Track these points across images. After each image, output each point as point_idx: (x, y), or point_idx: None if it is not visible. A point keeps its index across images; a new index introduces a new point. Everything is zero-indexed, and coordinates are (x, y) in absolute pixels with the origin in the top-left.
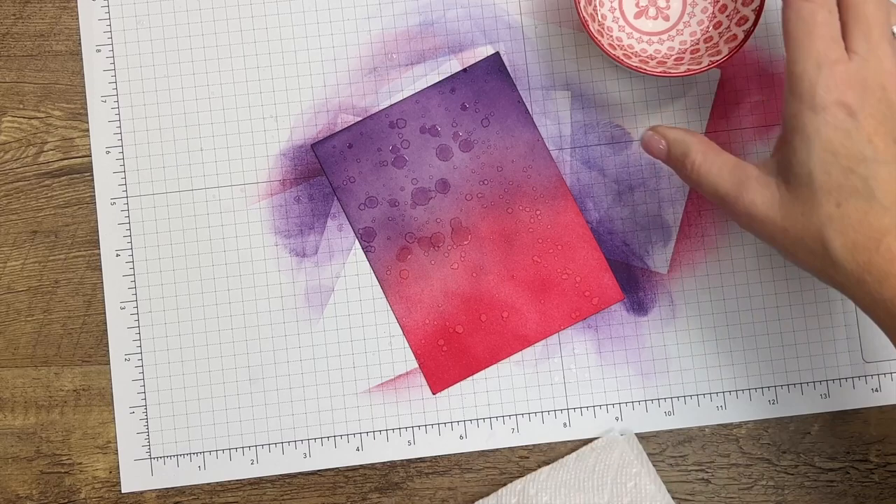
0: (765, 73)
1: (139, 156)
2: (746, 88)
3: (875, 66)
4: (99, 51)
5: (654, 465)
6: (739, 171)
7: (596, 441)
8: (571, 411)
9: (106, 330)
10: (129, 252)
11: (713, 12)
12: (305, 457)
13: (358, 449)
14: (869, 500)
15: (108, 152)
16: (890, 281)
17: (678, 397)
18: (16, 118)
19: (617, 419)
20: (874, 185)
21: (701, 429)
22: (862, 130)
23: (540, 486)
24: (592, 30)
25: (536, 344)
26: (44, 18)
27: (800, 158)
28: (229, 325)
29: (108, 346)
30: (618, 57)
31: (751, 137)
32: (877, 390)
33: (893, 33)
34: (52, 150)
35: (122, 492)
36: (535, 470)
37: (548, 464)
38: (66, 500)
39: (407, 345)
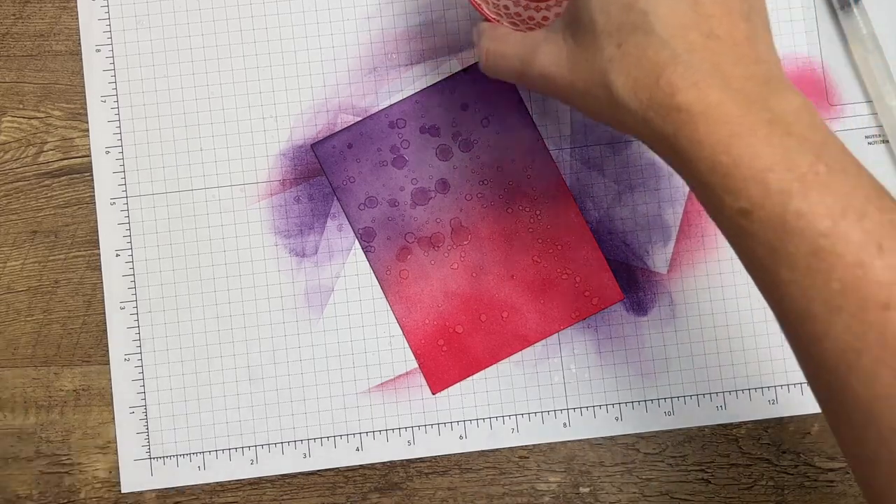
0: None
1: (139, 156)
2: None
3: None
4: (98, 51)
5: (654, 464)
6: (529, 39)
7: None
8: (571, 411)
9: (106, 330)
10: (129, 252)
11: None
12: (305, 457)
13: (358, 449)
14: None
15: (107, 152)
16: (671, 115)
17: (678, 397)
18: (16, 118)
19: (617, 419)
20: (653, 20)
21: (701, 429)
22: None
23: None
24: None
25: (536, 344)
26: (44, 18)
27: (580, 5)
28: (229, 325)
29: (107, 347)
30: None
31: None
32: None
33: None
34: (51, 150)
35: (122, 492)
36: (534, 469)
37: (548, 463)
38: (66, 500)
39: (406, 345)
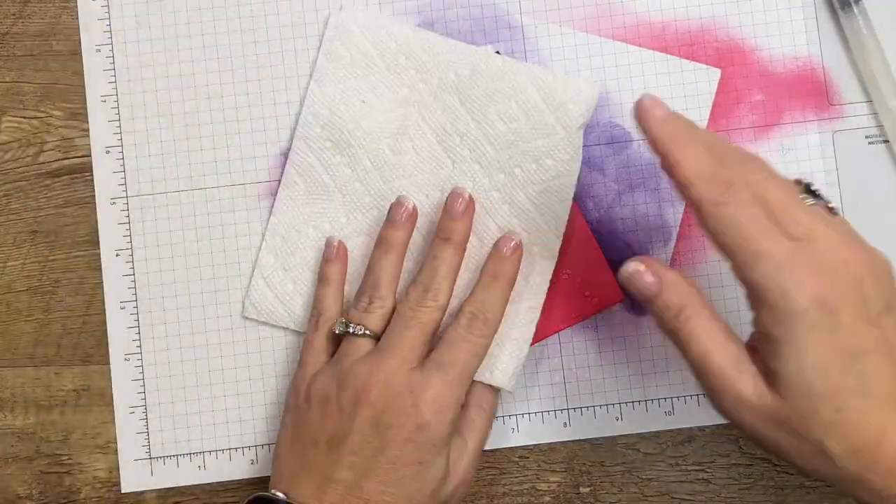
0: (765, 72)
1: (139, 155)
2: (746, 88)
3: (824, 243)
4: (99, 50)
5: (654, 464)
6: (734, 349)
7: (326, 33)
8: (571, 411)
9: (106, 330)
10: (129, 252)
11: None
12: None
13: None
14: None
15: (107, 152)
16: (892, 480)
17: (678, 397)
18: (16, 118)
19: (617, 419)
20: (869, 381)
21: (701, 429)
22: (844, 323)
23: (327, 103)
24: None
25: (536, 344)
26: (44, 18)
27: (792, 369)
28: (229, 325)
29: (107, 346)
30: None
31: (751, 137)
32: None
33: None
34: (51, 149)
35: (122, 492)
36: (534, 469)
37: (548, 463)
38: (66, 500)
39: None
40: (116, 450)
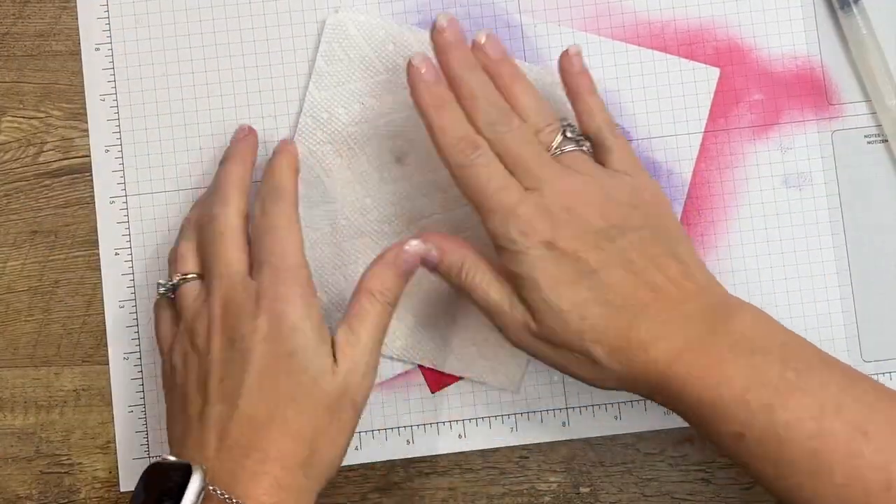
0: (764, 71)
1: (138, 154)
2: (745, 87)
3: (550, 191)
4: (98, 49)
5: (654, 464)
6: (506, 287)
7: (323, 35)
8: (570, 410)
9: (105, 330)
10: (129, 251)
11: None
12: None
13: (357, 448)
14: None
15: (107, 151)
16: (650, 368)
17: None
18: (15, 118)
19: (616, 418)
20: (603, 292)
21: None
22: (567, 254)
23: (327, 106)
24: None
25: None
26: (43, 18)
27: (535, 296)
28: None
29: (107, 346)
30: None
31: (749, 137)
32: None
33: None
34: (51, 150)
35: (121, 490)
36: (534, 469)
37: (548, 463)
38: (65, 500)
39: None
40: (116, 449)
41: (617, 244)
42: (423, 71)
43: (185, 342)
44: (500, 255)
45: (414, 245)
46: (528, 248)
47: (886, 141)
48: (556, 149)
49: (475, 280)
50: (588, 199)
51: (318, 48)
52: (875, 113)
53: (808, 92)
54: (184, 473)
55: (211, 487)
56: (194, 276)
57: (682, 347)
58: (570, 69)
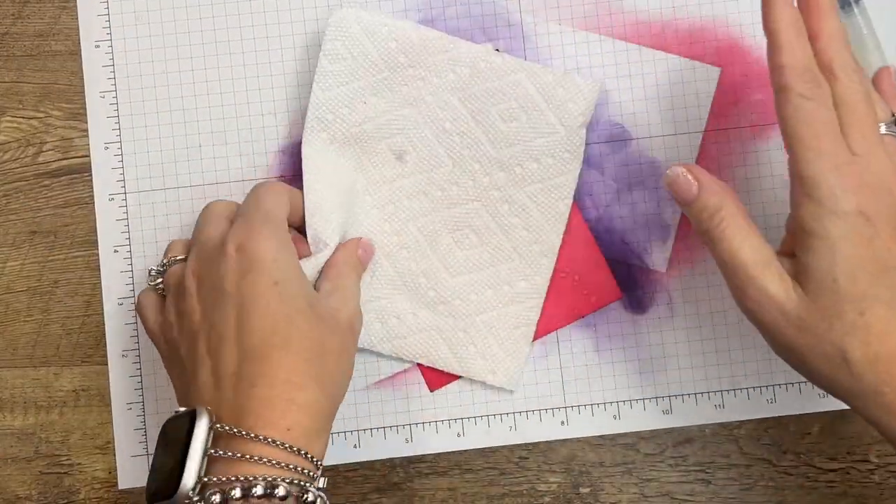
0: (765, 71)
1: (138, 152)
2: (746, 86)
3: (877, 167)
4: (98, 46)
5: (654, 464)
6: (765, 250)
7: (327, 33)
8: (569, 409)
9: (104, 328)
10: (128, 248)
11: None
12: None
13: (355, 446)
14: (869, 500)
15: (106, 148)
16: None
17: (676, 395)
18: (15, 118)
19: (615, 417)
20: (891, 296)
21: (701, 429)
22: (882, 238)
23: (330, 107)
24: None
25: (534, 342)
26: (43, 18)
27: (823, 265)
28: None
29: (106, 345)
30: None
31: (749, 136)
32: None
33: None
34: (51, 150)
35: (119, 488)
36: (534, 469)
37: (548, 463)
38: (65, 501)
39: None
40: (115, 448)
41: None
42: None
43: (172, 313)
44: (802, 207)
45: (676, 170)
46: (846, 211)
47: None
48: (883, 126)
49: (728, 231)
50: None
51: (322, 47)
52: None
53: None
54: (190, 419)
55: (219, 425)
56: (181, 258)
57: None
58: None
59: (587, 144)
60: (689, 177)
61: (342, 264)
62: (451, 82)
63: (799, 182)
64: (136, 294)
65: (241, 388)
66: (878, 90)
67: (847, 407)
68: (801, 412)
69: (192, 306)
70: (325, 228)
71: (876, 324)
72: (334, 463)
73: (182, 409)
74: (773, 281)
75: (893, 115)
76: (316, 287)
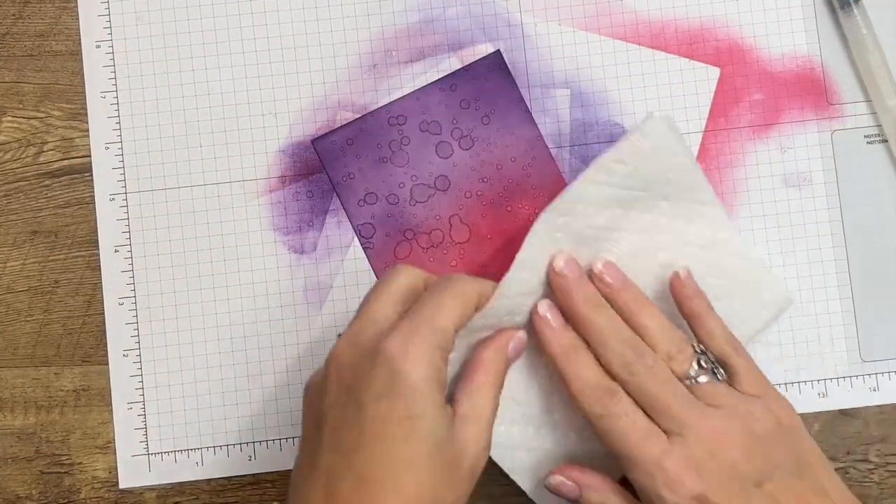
0: (764, 71)
1: (138, 152)
2: (745, 87)
3: (694, 437)
4: (98, 46)
5: None
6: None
7: (634, 136)
8: None
9: (105, 328)
10: (128, 248)
11: None
12: None
13: None
14: (869, 500)
15: (107, 148)
16: None
17: None
18: (15, 118)
19: None
20: None
21: None
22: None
23: (586, 199)
24: None
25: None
26: (44, 18)
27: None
28: (228, 322)
29: (107, 345)
30: None
31: (749, 136)
32: (875, 389)
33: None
34: (51, 150)
35: (120, 487)
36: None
37: None
38: (65, 500)
39: None
40: (115, 448)
41: (764, 489)
42: (549, 318)
43: (314, 376)
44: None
45: (555, 479)
46: (678, 501)
47: (886, 141)
48: (691, 379)
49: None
50: (732, 440)
51: (620, 140)
52: (875, 113)
53: (808, 92)
54: None
55: None
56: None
57: None
58: (684, 292)
59: (588, 144)
60: (570, 483)
61: (485, 370)
62: (691, 233)
63: (635, 487)
64: (136, 293)
65: None
66: (678, 305)
67: (845, 406)
68: (800, 412)
69: (326, 386)
70: (516, 294)
71: None
72: None
73: None
74: None
75: (696, 350)
76: (452, 390)
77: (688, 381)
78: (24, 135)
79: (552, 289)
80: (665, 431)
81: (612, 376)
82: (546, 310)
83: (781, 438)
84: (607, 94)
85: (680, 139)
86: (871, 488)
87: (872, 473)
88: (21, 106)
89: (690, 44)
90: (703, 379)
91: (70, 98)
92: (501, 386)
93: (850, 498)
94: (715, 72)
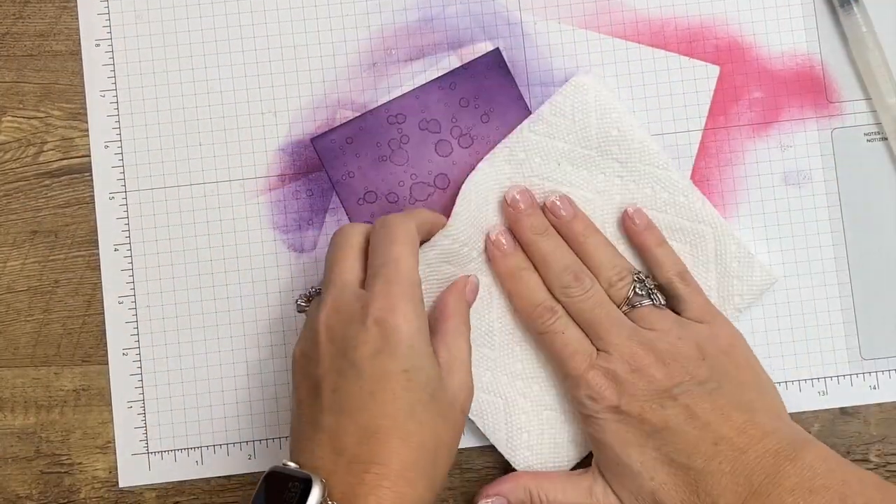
0: (764, 69)
1: (138, 150)
2: (745, 85)
3: (618, 354)
4: (98, 45)
5: None
6: (576, 479)
7: (564, 87)
8: None
9: (105, 328)
10: (128, 247)
11: None
12: None
13: None
14: None
15: (106, 147)
16: None
17: None
18: (16, 118)
19: None
20: (666, 452)
21: None
22: (632, 417)
23: (528, 147)
24: None
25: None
26: (44, 18)
27: (609, 457)
28: (227, 321)
29: (106, 343)
30: None
31: (749, 134)
32: (875, 388)
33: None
34: (51, 149)
35: (120, 486)
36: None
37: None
38: (65, 500)
39: None
40: (115, 447)
41: (680, 401)
42: (501, 241)
43: (302, 345)
44: (580, 418)
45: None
46: (597, 412)
47: (886, 139)
48: (628, 303)
49: (548, 496)
50: (655, 357)
51: (552, 97)
52: (875, 111)
53: (807, 90)
54: (304, 485)
55: (331, 503)
56: (315, 291)
57: (746, 496)
58: (634, 227)
59: None
60: (494, 499)
61: (454, 318)
62: (646, 196)
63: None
64: (136, 292)
65: (355, 471)
66: (630, 239)
67: (845, 404)
68: (799, 410)
69: (319, 353)
70: (464, 232)
71: (666, 480)
72: None
73: (293, 465)
74: (600, 491)
75: (635, 278)
76: (432, 337)
77: (626, 306)
78: (24, 135)
79: (505, 218)
80: (597, 350)
81: (555, 298)
82: (497, 234)
83: (711, 359)
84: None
85: (615, 98)
86: None
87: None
88: (21, 106)
89: (690, 42)
90: (642, 303)
91: (70, 98)
92: (469, 328)
93: (776, 414)
94: (714, 70)
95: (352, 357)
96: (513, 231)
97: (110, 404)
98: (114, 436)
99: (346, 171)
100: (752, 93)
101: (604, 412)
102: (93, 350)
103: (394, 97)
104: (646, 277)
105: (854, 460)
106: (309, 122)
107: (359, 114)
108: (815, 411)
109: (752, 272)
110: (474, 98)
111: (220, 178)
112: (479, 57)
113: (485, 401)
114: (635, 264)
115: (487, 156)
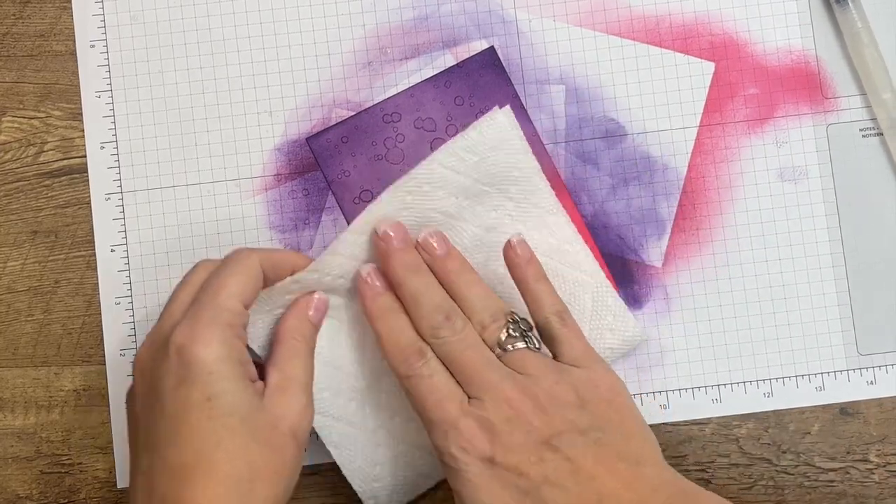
0: (759, 65)
1: (133, 151)
2: (740, 81)
3: (492, 401)
4: (93, 46)
5: None
6: None
7: (479, 122)
8: None
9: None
10: (124, 247)
11: None
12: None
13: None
14: (869, 500)
15: (102, 147)
16: None
17: (673, 390)
18: (16, 118)
19: None
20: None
21: (701, 429)
22: (508, 470)
23: (433, 181)
24: None
25: None
26: (44, 18)
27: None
28: None
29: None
30: None
31: (745, 131)
32: (872, 383)
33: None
34: (51, 150)
35: (118, 487)
36: None
37: None
38: (66, 500)
39: None
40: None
41: (562, 453)
42: (369, 281)
43: (129, 386)
44: (445, 472)
45: None
46: (467, 465)
47: (881, 134)
48: (502, 347)
49: None
50: (532, 404)
51: (466, 131)
52: (870, 106)
53: (803, 86)
54: None
55: None
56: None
57: None
58: (515, 259)
59: (582, 140)
60: None
61: (290, 339)
62: (534, 240)
63: (434, 450)
64: (133, 293)
65: None
66: (510, 271)
67: (842, 400)
68: (798, 406)
69: (136, 392)
70: (342, 265)
71: None
72: (331, 461)
73: None
74: None
75: (509, 319)
76: (266, 359)
77: (499, 350)
78: (24, 135)
79: (376, 252)
80: (468, 396)
81: (424, 340)
82: (367, 272)
83: (591, 406)
84: (602, 90)
85: (521, 136)
86: (871, 488)
87: (872, 473)
88: (21, 106)
89: (685, 38)
90: (516, 345)
91: (70, 98)
92: (312, 350)
93: (662, 465)
94: (710, 66)
95: (157, 390)
96: (383, 267)
97: (110, 404)
98: (113, 437)
99: (341, 171)
100: (747, 89)
101: (475, 464)
102: (93, 350)
103: (389, 96)
104: (520, 319)
105: (854, 460)
106: (304, 121)
107: (354, 113)
108: (815, 411)
109: (625, 326)
110: (469, 96)
111: (216, 178)
112: (474, 55)
113: (344, 432)
114: (519, 306)
115: (390, 187)
